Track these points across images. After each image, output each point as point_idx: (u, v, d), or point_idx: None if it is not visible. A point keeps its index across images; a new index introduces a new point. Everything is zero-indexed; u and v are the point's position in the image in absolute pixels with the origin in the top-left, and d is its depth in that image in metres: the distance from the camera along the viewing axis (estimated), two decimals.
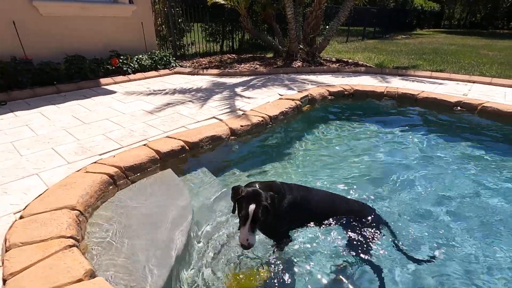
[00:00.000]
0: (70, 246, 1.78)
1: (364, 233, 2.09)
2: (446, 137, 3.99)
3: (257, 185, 1.86)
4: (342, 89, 5.34)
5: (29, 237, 1.83)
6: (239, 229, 1.85)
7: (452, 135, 4.06)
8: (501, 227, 2.35)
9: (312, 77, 6.47)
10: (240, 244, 1.73)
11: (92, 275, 1.63)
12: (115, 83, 5.95)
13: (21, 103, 4.66)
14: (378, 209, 2.36)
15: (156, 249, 1.95)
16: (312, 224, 2.11)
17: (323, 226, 2.12)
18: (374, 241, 2.07)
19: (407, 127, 4.34)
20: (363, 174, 3.13)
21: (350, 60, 8.38)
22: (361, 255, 2.00)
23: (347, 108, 5.09)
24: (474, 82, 6.03)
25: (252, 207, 1.69)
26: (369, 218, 2.17)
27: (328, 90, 5.24)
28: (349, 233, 2.10)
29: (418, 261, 2.01)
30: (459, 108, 4.60)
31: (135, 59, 6.59)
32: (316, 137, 4.05)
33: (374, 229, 2.12)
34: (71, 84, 5.47)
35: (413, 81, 6.15)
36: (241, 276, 1.72)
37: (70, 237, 1.86)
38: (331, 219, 2.11)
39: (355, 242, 2.05)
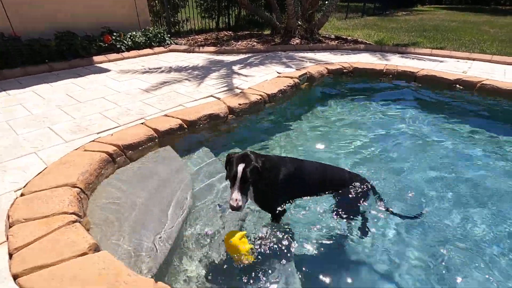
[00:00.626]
0: (73, 222, 1.81)
1: (355, 199, 2.16)
2: (442, 114, 4.00)
3: (249, 152, 1.89)
4: (341, 67, 5.25)
5: (32, 214, 1.85)
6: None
7: (449, 112, 4.06)
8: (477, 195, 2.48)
9: (310, 55, 6.34)
10: (229, 205, 1.72)
11: (96, 249, 1.66)
12: (109, 61, 5.79)
13: (13, 81, 4.54)
14: (373, 179, 2.46)
15: (157, 223, 1.98)
16: (306, 195, 2.16)
17: (317, 195, 2.17)
18: (364, 206, 2.17)
19: (405, 105, 4.33)
20: (360, 149, 3.16)
21: (349, 37, 8.19)
22: (351, 220, 2.11)
23: (346, 86, 5.04)
24: (474, 59, 5.96)
25: (241, 166, 1.70)
26: (359, 185, 2.23)
27: (326, 68, 5.15)
28: (341, 200, 2.16)
29: (406, 217, 2.20)
30: (458, 85, 4.57)
31: (128, 36, 6.38)
32: (314, 114, 4.03)
33: (364, 195, 2.20)
34: (64, 62, 5.32)
35: (413, 58, 6.06)
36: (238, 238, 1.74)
37: (73, 213, 1.88)
38: (324, 189, 2.17)
39: (346, 209, 2.12)
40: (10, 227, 1.78)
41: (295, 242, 1.97)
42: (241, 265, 1.72)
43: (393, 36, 8.67)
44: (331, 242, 2.03)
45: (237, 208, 1.69)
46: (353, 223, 2.14)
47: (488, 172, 2.77)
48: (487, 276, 1.79)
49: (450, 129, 3.65)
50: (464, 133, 3.52)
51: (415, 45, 7.30)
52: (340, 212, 2.13)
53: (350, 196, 2.17)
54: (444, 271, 1.84)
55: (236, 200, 1.69)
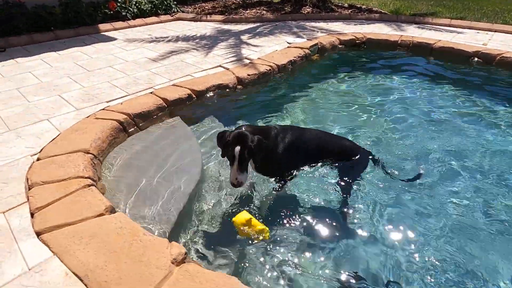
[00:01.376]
0: (89, 186, 1.88)
1: (356, 168, 2.20)
2: (457, 89, 3.86)
3: (243, 128, 1.88)
4: (353, 37, 5.05)
5: (49, 177, 1.92)
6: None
7: (464, 87, 3.92)
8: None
9: (322, 24, 6.08)
10: (230, 183, 1.78)
11: (112, 210, 1.74)
12: (115, 29, 5.66)
13: (20, 49, 4.50)
14: (377, 149, 2.51)
15: (168, 189, 2.04)
16: (308, 163, 2.16)
17: (319, 163, 2.18)
18: (363, 173, 2.22)
19: (419, 78, 4.19)
20: (371, 122, 3.12)
21: (363, 6, 7.77)
22: (350, 186, 2.14)
23: (358, 57, 4.87)
24: (495, 31, 5.64)
25: (237, 149, 1.72)
26: (359, 153, 2.25)
27: (338, 39, 4.96)
28: (342, 170, 2.18)
29: (407, 180, 2.24)
30: (476, 59, 4.38)
31: (134, 2, 6.17)
32: (324, 87, 3.94)
33: (364, 164, 2.25)
34: (70, 30, 5.22)
35: (430, 29, 5.77)
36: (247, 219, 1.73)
37: (88, 177, 1.95)
38: (324, 156, 2.18)
39: (346, 179, 2.15)
40: (29, 189, 1.86)
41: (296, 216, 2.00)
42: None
43: (410, 5, 8.19)
44: (328, 215, 2.05)
45: (238, 185, 1.77)
46: (352, 194, 2.15)
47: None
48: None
49: (458, 102, 3.55)
50: (472, 108, 3.43)
51: (434, 15, 6.90)
52: (341, 182, 2.14)
53: (351, 164, 2.19)
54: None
55: (237, 178, 1.75)
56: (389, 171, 2.28)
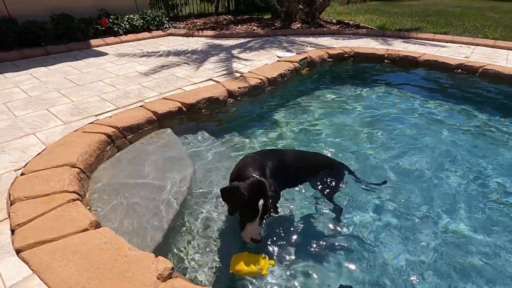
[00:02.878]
0: (74, 200, 1.83)
1: (332, 180, 2.23)
2: (443, 100, 3.97)
3: (249, 172, 1.65)
4: (342, 51, 5.19)
5: (33, 192, 1.87)
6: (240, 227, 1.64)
7: (449, 98, 4.03)
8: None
9: (311, 39, 6.24)
10: (250, 240, 1.56)
11: (97, 225, 1.69)
12: (106, 44, 5.70)
13: (9, 64, 4.48)
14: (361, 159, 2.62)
15: (155, 207, 2.00)
16: (290, 185, 2.15)
17: (298, 183, 2.19)
18: (341, 185, 2.27)
19: (406, 90, 4.30)
20: (359, 135, 3.16)
21: (351, 22, 8.03)
22: (330, 198, 2.17)
23: (347, 70, 4.98)
24: (477, 45, 5.87)
25: (261, 202, 1.51)
26: (335, 167, 2.32)
27: (327, 53, 5.09)
28: (320, 183, 2.20)
29: (377, 184, 2.37)
30: (460, 70, 4.53)
31: (126, 18, 6.25)
32: (313, 99, 4.00)
33: (340, 176, 2.31)
34: (61, 46, 5.23)
35: (415, 43, 5.97)
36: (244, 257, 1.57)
37: (73, 192, 1.90)
38: (304, 174, 2.18)
39: (326, 192, 2.17)
40: (11, 204, 1.80)
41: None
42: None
43: (396, 21, 8.51)
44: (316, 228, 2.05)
45: (260, 241, 1.57)
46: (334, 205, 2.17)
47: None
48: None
49: (446, 112, 3.64)
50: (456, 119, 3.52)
51: (418, 30, 7.18)
52: (326, 194, 2.16)
53: (329, 179, 2.21)
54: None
55: (260, 233, 1.56)
56: (359, 177, 2.39)
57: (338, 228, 2.02)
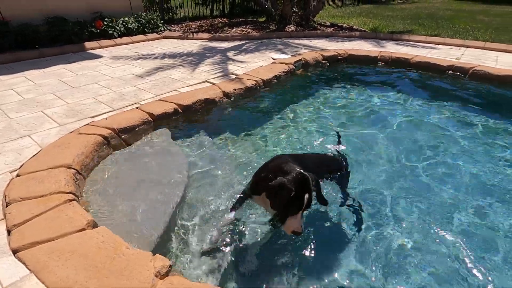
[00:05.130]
0: (70, 200, 1.83)
1: (343, 175, 2.31)
2: (435, 100, 4.05)
3: (290, 165, 1.66)
4: (336, 53, 5.26)
5: (29, 193, 1.86)
6: (273, 221, 1.70)
7: (440, 98, 4.11)
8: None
9: (305, 42, 6.32)
10: (292, 232, 1.56)
11: (94, 225, 1.69)
12: (101, 47, 5.70)
13: (2, 67, 4.45)
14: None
15: (151, 208, 2.00)
16: None
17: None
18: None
19: (398, 91, 4.37)
20: (354, 135, 3.20)
21: (344, 25, 8.14)
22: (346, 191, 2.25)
23: (340, 72, 5.05)
24: (467, 46, 6.00)
25: (306, 196, 1.54)
26: (341, 163, 2.41)
27: (321, 55, 5.15)
28: (336, 180, 2.26)
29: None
30: (451, 72, 4.62)
31: (121, 21, 6.26)
32: (309, 100, 4.05)
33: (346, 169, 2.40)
34: (55, 48, 5.22)
35: (407, 45, 6.08)
36: None
37: (70, 192, 1.90)
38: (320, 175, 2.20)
39: (342, 185, 2.24)
40: (7, 206, 1.80)
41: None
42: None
43: (388, 24, 8.64)
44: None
45: (301, 233, 1.57)
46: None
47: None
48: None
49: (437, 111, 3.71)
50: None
51: (410, 32, 7.30)
52: (342, 191, 2.22)
53: (341, 174, 2.27)
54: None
55: (301, 226, 1.55)
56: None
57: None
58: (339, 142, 2.81)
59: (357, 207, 2.19)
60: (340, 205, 2.18)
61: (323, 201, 1.73)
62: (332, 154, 2.64)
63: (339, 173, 2.29)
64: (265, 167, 1.87)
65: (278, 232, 1.90)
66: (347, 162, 2.49)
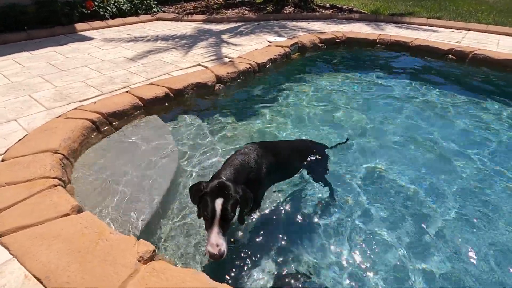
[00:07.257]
0: (55, 186, 1.81)
1: (320, 161, 2.30)
2: (433, 84, 3.97)
3: (223, 177, 1.54)
4: (334, 36, 5.11)
5: (13, 178, 1.84)
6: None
7: (439, 82, 4.03)
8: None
9: (303, 24, 6.14)
10: (208, 253, 1.32)
11: (79, 210, 1.67)
12: (92, 29, 5.53)
13: None
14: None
15: (139, 193, 1.98)
16: (285, 177, 2.12)
17: (295, 172, 2.18)
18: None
19: (396, 74, 4.28)
20: (350, 119, 3.16)
21: (344, 7, 7.89)
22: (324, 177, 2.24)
23: (338, 55, 4.93)
24: (469, 29, 5.84)
25: (219, 201, 1.35)
26: (317, 148, 2.39)
27: (319, 38, 5.01)
28: (312, 168, 2.25)
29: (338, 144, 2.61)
30: (450, 55, 4.52)
31: (113, 2, 6.05)
32: (304, 84, 3.96)
33: (324, 155, 2.39)
34: (44, 30, 5.06)
35: (407, 28, 5.92)
36: None
37: (55, 177, 1.87)
38: (293, 162, 2.17)
39: (317, 172, 2.24)
40: None
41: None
42: None
43: (390, 5, 8.38)
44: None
45: (219, 257, 1.30)
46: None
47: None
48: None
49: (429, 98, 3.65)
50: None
51: (412, 14, 7.09)
52: (316, 177, 2.21)
53: (316, 160, 2.26)
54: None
55: (218, 245, 1.31)
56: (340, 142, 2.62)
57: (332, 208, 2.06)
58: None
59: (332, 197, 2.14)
60: (329, 196, 2.14)
61: (240, 219, 1.53)
62: (309, 141, 2.52)
63: (313, 160, 2.25)
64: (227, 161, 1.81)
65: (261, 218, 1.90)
66: (324, 151, 2.41)
